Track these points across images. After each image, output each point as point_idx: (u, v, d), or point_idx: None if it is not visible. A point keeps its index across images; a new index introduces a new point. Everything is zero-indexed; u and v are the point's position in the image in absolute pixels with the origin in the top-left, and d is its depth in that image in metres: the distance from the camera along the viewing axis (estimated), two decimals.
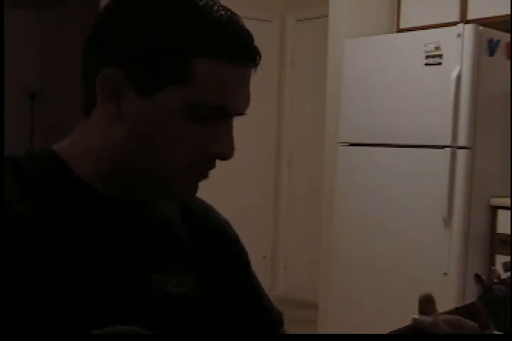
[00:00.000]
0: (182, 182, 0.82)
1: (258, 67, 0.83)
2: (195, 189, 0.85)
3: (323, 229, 3.72)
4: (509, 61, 3.11)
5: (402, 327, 0.80)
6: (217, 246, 0.95)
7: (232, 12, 0.81)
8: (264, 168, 4.85)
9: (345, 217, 3.47)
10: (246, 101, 0.83)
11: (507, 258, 3.08)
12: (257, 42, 0.83)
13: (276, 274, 4.88)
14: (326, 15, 3.77)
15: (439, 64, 3.06)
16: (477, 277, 0.83)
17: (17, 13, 6.07)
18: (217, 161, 0.84)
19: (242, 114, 0.84)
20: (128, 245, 0.84)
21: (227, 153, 0.82)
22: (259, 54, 0.82)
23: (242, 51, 0.79)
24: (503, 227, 2.99)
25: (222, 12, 0.79)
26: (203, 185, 0.85)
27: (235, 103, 0.80)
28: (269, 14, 4.75)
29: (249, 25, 0.83)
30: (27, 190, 0.79)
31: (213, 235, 0.96)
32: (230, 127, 0.82)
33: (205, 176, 0.84)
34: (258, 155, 4.79)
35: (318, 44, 4.41)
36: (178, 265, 0.89)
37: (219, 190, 4.37)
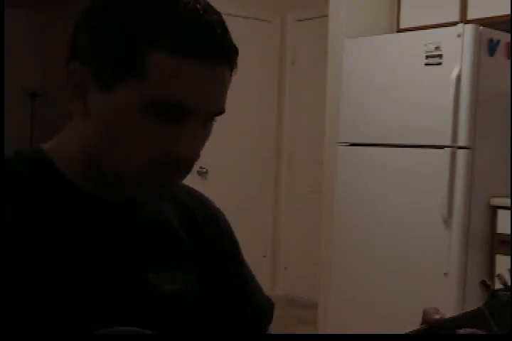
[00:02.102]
0: (145, 184, 0.79)
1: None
2: (160, 192, 0.81)
3: (323, 229, 3.72)
4: (509, 61, 3.11)
5: (418, 328, 0.80)
6: (210, 238, 0.95)
7: (208, 5, 0.78)
8: (264, 168, 4.85)
9: (345, 217, 3.47)
10: (212, 99, 0.77)
11: (507, 259, 3.09)
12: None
13: (276, 274, 4.88)
14: (326, 15, 3.77)
15: (439, 64, 3.06)
16: (483, 283, 0.82)
17: (17, 13, 6.07)
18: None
19: (215, 114, 0.80)
20: (120, 244, 0.84)
21: (185, 155, 0.77)
22: (230, 50, 0.78)
23: (203, 45, 0.75)
24: (503, 227, 2.99)
25: (190, 4, 0.75)
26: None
27: (196, 101, 0.76)
28: (269, 14, 4.75)
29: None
30: (15, 189, 0.79)
31: (206, 226, 0.95)
32: (195, 128, 0.77)
33: (171, 180, 0.80)
34: (258, 155, 4.79)
35: (318, 44, 4.41)
36: (173, 262, 0.88)
37: (219, 190, 4.36)
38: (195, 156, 0.78)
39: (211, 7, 0.78)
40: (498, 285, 0.84)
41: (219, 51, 0.76)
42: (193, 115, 0.77)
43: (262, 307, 1.01)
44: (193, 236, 0.92)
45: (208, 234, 0.95)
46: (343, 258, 3.47)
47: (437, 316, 0.83)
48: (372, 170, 3.35)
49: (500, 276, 0.82)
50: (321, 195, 3.76)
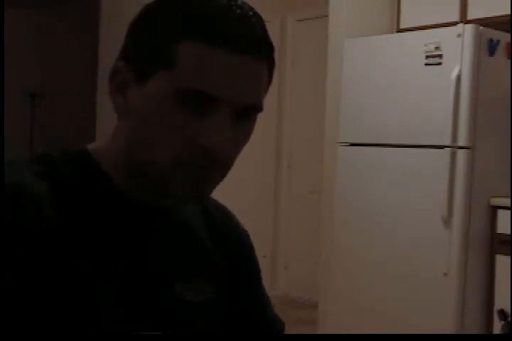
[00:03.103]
0: (175, 179, 0.78)
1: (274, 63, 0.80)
2: (191, 189, 0.79)
3: (323, 229, 3.72)
4: (509, 61, 3.11)
5: None
6: (234, 252, 0.95)
7: (243, 3, 0.79)
8: (264, 168, 4.85)
9: (345, 217, 3.47)
10: (241, 90, 0.76)
11: (507, 259, 3.09)
12: None
13: (276, 274, 4.88)
14: (326, 15, 3.77)
15: (439, 64, 3.06)
16: (501, 312, 0.80)
17: (17, 13, 6.07)
18: None
19: (248, 108, 0.78)
20: (150, 250, 0.84)
21: (214, 146, 0.75)
22: (265, 46, 0.78)
23: (233, 35, 0.75)
24: (503, 227, 2.99)
25: (224, 1, 0.77)
26: None
27: (225, 91, 0.75)
28: (269, 14, 4.74)
29: None
30: (60, 189, 0.78)
31: (231, 240, 0.96)
32: (224, 119, 0.76)
33: (201, 177, 0.78)
34: (258, 155, 4.79)
35: (318, 44, 4.41)
36: (198, 272, 0.88)
37: (219, 190, 4.36)
38: (224, 150, 0.76)
39: (246, 4, 0.79)
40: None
41: (251, 43, 0.76)
42: (221, 105, 0.76)
43: (273, 327, 1.01)
44: (218, 249, 0.93)
45: (232, 248, 0.95)
46: (343, 258, 3.47)
47: None
48: (372, 170, 3.35)
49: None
50: (321, 195, 3.76)
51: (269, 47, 0.79)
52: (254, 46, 0.76)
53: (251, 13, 0.78)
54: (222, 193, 0.95)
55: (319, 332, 3.62)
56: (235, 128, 0.78)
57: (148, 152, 0.78)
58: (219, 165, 0.79)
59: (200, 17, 0.75)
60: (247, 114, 0.79)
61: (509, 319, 0.80)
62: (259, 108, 0.79)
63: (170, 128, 0.76)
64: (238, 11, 0.77)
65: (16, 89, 6.04)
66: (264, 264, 4.60)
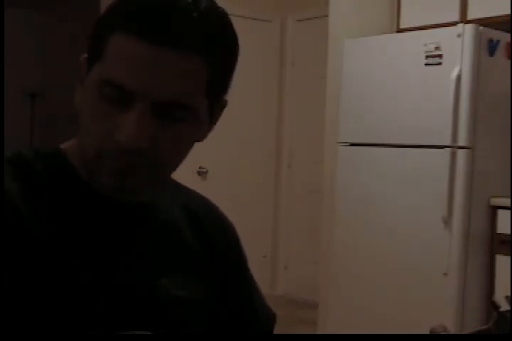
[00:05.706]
0: (100, 171, 0.78)
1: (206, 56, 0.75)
2: (118, 182, 0.77)
3: (323, 229, 3.72)
4: (509, 61, 3.11)
5: None
6: (219, 247, 0.95)
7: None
8: (264, 167, 4.85)
9: (345, 217, 3.47)
10: (164, 87, 0.74)
11: (507, 259, 3.08)
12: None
13: (276, 274, 4.88)
14: (326, 15, 3.77)
15: (439, 64, 3.06)
16: (493, 304, 0.81)
17: (17, 13, 6.07)
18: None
19: (172, 106, 0.75)
20: (133, 247, 0.84)
21: (123, 140, 0.74)
22: (199, 38, 0.74)
23: (155, 29, 0.72)
24: (503, 227, 2.99)
25: None
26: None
27: (143, 86, 0.73)
28: (269, 14, 4.75)
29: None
30: (32, 188, 0.79)
31: (216, 236, 0.95)
32: (140, 114, 0.74)
33: (126, 170, 0.76)
34: (258, 154, 4.79)
35: (318, 44, 4.41)
36: (184, 268, 0.88)
37: (219, 190, 4.36)
38: (134, 145, 0.74)
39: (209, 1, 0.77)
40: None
41: (182, 40, 0.73)
42: (137, 100, 0.74)
43: (264, 320, 1.01)
44: (202, 245, 0.92)
45: (217, 243, 0.95)
46: (343, 258, 3.48)
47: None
48: (372, 170, 3.35)
49: (508, 298, 0.81)
50: (321, 195, 3.76)
51: (208, 41, 0.75)
52: (186, 42, 0.73)
53: (203, 9, 0.75)
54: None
55: (319, 332, 3.62)
56: (162, 127, 0.76)
57: (84, 143, 0.80)
58: (145, 162, 0.77)
59: (137, 9, 0.74)
60: (173, 112, 0.76)
61: (500, 309, 0.81)
62: (187, 106, 0.76)
63: (95, 120, 0.77)
64: (190, 7, 0.74)
65: (16, 89, 6.05)
66: (264, 264, 4.59)
